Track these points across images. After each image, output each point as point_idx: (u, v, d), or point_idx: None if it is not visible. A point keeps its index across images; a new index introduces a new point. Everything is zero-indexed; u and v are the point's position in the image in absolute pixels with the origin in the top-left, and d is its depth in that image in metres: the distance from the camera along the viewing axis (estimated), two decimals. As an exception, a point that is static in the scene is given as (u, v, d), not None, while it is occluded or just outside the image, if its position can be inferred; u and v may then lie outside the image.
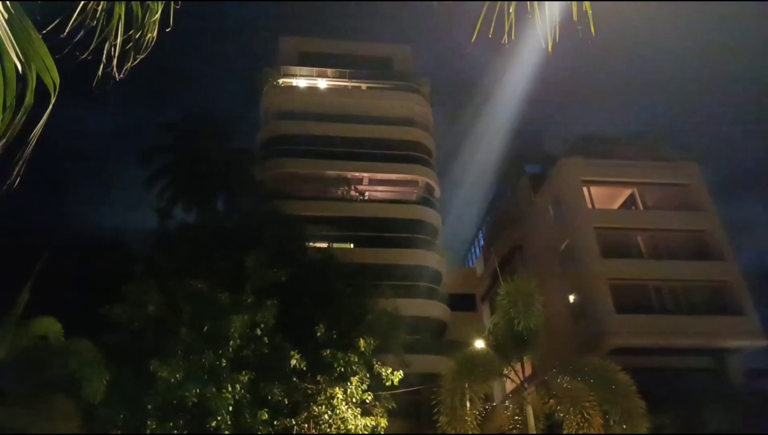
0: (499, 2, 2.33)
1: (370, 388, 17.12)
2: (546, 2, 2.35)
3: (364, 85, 39.24)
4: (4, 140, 1.58)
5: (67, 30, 1.74)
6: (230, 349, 15.49)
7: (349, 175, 35.33)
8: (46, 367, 12.15)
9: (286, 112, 36.67)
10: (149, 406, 14.41)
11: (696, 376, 24.90)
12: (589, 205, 30.16)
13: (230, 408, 14.69)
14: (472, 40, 2.51)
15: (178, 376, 14.40)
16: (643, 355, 23.23)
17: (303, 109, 36.61)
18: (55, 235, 20.38)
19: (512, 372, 13.88)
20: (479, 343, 15.09)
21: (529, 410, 12.81)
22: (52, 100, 1.64)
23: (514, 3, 2.33)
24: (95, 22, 1.72)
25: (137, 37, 1.80)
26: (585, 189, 30.41)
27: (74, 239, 20.55)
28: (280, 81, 38.08)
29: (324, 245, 29.38)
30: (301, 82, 38.69)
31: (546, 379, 13.30)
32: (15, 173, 1.66)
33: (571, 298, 29.02)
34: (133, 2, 1.73)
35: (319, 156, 34.66)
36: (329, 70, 38.80)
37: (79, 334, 12.69)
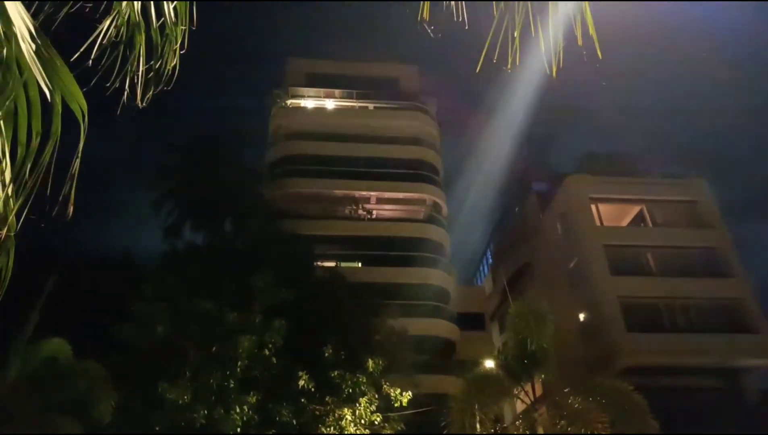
0: (503, 29, 2.38)
1: (378, 409, 16.98)
2: (551, 28, 2.39)
3: (371, 105, 39.58)
4: (38, 168, 1.63)
5: (89, 57, 1.80)
6: (238, 369, 15.46)
7: (357, 194, 35.47)
8: (55, 388, 12.15)
9: (294, 133, 37.00)
10: (157, 428, 14.36)
11: (709, 396, 24.45)
12: (598, 223, 30.04)
13: (238, 429, 14.60)
14: (477, 70, 2.55)
15: (186, 397, 14.37)
16: (655, 374, 22.87)
17: (311, 130, 36.94)
18: (64, 255, 20.53)
19: (522, 392, 13.72)
20: (489, 363, 14.95)
21: (541, 431, 12.62)
22: (83, 126, 1.70)
23: (518, 30, 2.37)
24: (116, 50, 1.78)
25: (157, 65, 1.87)
26: (593, 206, 30.33)
27: (84, 260, 20.68)
28: (288, 102, 38.49)
29: (332, 264, 29.40)
30: (309, 103, 39.09)
31: (557, 399, 13.13)
32: (63, 200, 1.71)
33: (581, 316, 28.75)
34: (152, 31, 1.79)
35: (327, 175, 34.86)
36: (337, 91, 39.21)
37: (89, 355, 12.71)
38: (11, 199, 1.65)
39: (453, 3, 2.41)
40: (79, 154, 1.73)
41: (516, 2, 2.40)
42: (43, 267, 15.57)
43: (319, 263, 25.81)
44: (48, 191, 1.72)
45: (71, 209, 1.75)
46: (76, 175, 1.73)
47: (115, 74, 1.81)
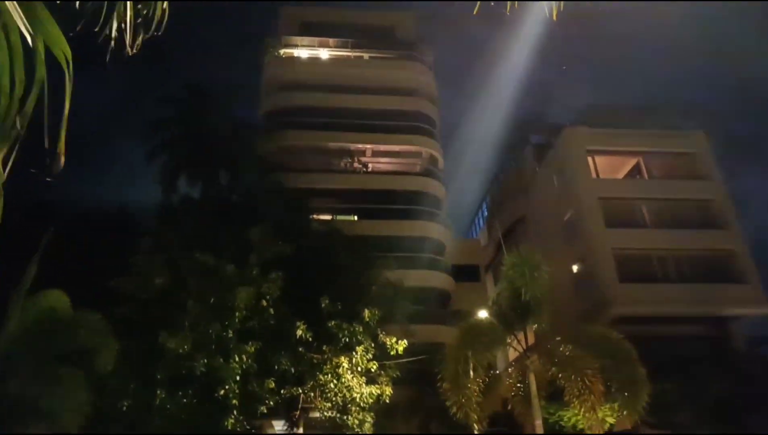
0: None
1: (375, 358, 17.39)
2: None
3: (366, 55, 38.74)
4: (21, 116, 1.59)
5: (74, 2, 1.73)
6: (236, 320, 15.71)
7: (352, 147, 35.19)
8: (56, 338, 12.30)
9: (288, 84, 36.33)
10: (158, 377, 14.70)
11: (698, 344, 25.11)
12: (594, 175, 30.03)
13: (238, 377, 14.97)
14: (475, 12, 2.47)
15: (186, 347, 14.65)
16: (645, 323, 23.41)
17: (305, 81, 36.26)
18: (61, 209, 20.46)
19: (515, 341, 14.04)
20: (483, 313, 15.24)
21: (532, 378, 13.01)
22: (67, 73, 1.64)
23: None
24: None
25: (146, 12, 1.79)
26: (590, 158, 30.24)
27: (80, 213, 20.62)
28: (282, 52, 37.61)
29: (328, 218, 29.48)
30: (303, 53, 38.22)
31: (549, 347, 13.47)
32: (56, 153, 1.67)
33: (575, 267, 29.15)
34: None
35: (322, 128, 34.48)
36: (331, 40, 38.27)
37: (87, 307, 12.84)
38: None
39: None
40: (67, 103, 1.69)
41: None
42: (40, 220, 15.55)
43: (315, 217, 25.86)
44: (46, 144, 1.68)
45: (62, 160, 1.72)
46: (65, 125, 1.69)
47: (102, 19, 1.74)
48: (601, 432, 14.57)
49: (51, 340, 12.14)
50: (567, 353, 12.58)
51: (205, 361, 14.84)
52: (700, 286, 25.98)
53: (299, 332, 16.35)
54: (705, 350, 24.56)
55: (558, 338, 13.48)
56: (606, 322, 22.62)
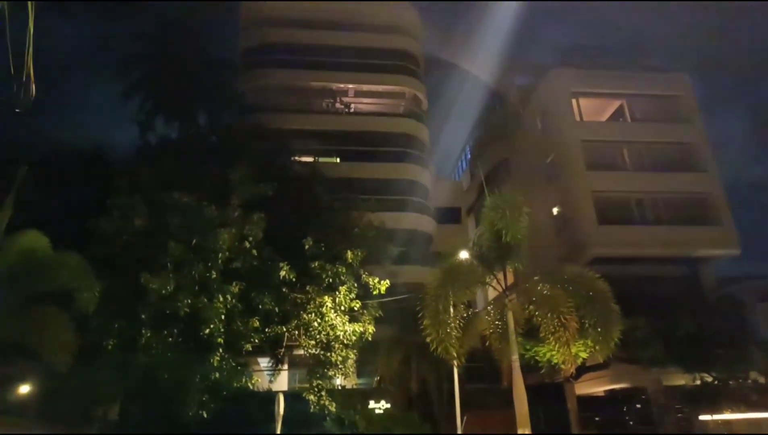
0: None
1: (357, 297, 17.69)
2: None
3: (348, -10, 37.23)
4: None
5: None
6: (219, 261, 15.74)
7: (334, 86, 34.40)
8: (37, 279, 12.21)
9: (266, 19, 34.97)
10: (143, 316, 14.80)
11: (671, 284, 25.99)
12: (578, 118, 29.94)
13: (222, 317, 15.14)
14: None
15: (169, 287, 14.70)
16: (621, 264, 24.03)
17: (285, 17, 34.91)
18: (34, 148, 19.87)
19: (495, 281, 14.35)
20: (464, 254, 15.46)
21: (510, 316, 13.34)
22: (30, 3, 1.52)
23: None
24: None
25: None
26: (574, 101, 30.05)
27: (54, 153, 20.05)
28: (260, -15, 35.96)
29: (310, 159, 29.17)
30: (282, -13, 36.57)
31: (527, 286, 13.77)
32: (24, 83, 1.57)
33: (556, 210, 29.53)
34: None
35: (303, 66, 33.53)
36: (311, -27, 36.60)
37: (66, 248, 12.69)
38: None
39: None
40: (31, 32, 1.58)
41: None
42: (12, 160, 15.09)
43: (296, 158, 25.56)
44: (11, 71, 1.58)
45: (33, 89, 1.62)
46: (30, 54, 1.59)
47: None
48: (574, 366, 15.20)
49: (32, 280, 12.05)
50: (544, 292, 12.87)
51: (189, 301, 14.93)
52: (675, 228, 26.60)
53: (283, 273, 16.48)
54: (677, 289, 25.45)
55: (536, 278, 13.76)
56: (584, 262, 23.16)
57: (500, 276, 14.66)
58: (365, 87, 34.69)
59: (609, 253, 25.09)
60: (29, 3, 1.38)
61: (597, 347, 13.11)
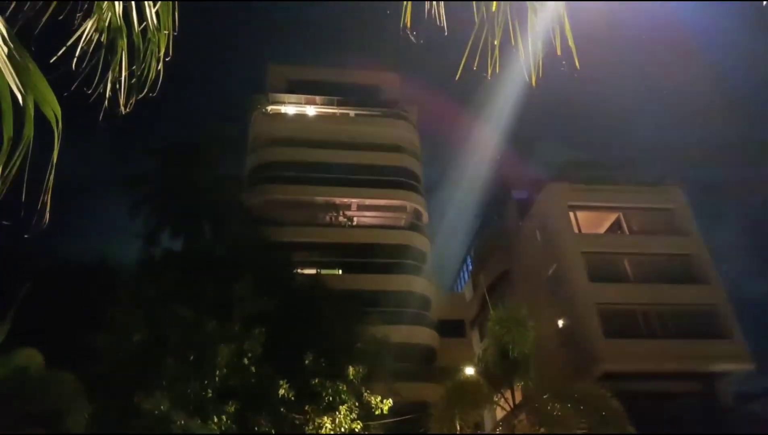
0: (483, 38, 2.39)
1: (359, 417, 16.88)
2: (530, 37, 2.42)
3: (352, 112, 39.62)
4: (9, 171, 1.59)
5: (71, 62, 1.76)
6: (217, 378, 15.24)
7: (338, 200, 35.40)
8: (27, 399, 11.81)
9: (274, 139, 36.84)
10: (133, 439, 14.05)
11: (686, 401, 24.85)
12: (576, 230, 30.41)
13: (216, 440, 14.36)
14: (457, 77, 2.56)
15: (162, 407, 14.10)
16: (633, 380, 23.17)
17: (291, 136, 36.82)
18: (39, 262, 20.05)
19: (502, 399, 13.77)
20: (469, 370, 14.98)
21: (521, 438, 12.69)
22: (56, 132, 1.66)
23: (498, 37, 2.39)
24: (97, 55, 1.75)
25: (140, 71, 1.84)
26: (571, 214, 30.70)
27: (58, 267, 20.21)
28: (269, 108, 38.33)
29: (312, 271, 29.25)
30: (290, 109, 38.97)
31: (536, 406, 13.21)
32: (40, 206, 1.67)
33: (560, 322, 29.03)
34: (134, 36, 1.76)
35: (308, 182, 34.73)
36: (318, 98, 39.17)
37: (62, 364, 12.40)
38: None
39: (434, 9, 2.42)
40: (54, 161, 1.70)
41: (496, 6, 2.42)
42: (16, 274, 15.19)
43: (299, 270, 25.65)
44: (23, 197, 1.68)
45: (47, 217, 1.72)
46: (51, 182, 1.70)
47: (97, 80, 1.78)
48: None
49: (22, 400, 11.63)
50: (555, 412, 12.32)
51: (183, 422, 14.25)
52: (685, 341, 25.96)
53: (281, 391, 15.89)
54: (693, 407, 24.28)
55: (546, 396, 13.24)
56: (593, 378, 22.34)
57: (508, 394, 14.13)
58: (368, 201, 35.69)
59: (619, 368, 24.27)
60: (56, 134, 1.50)
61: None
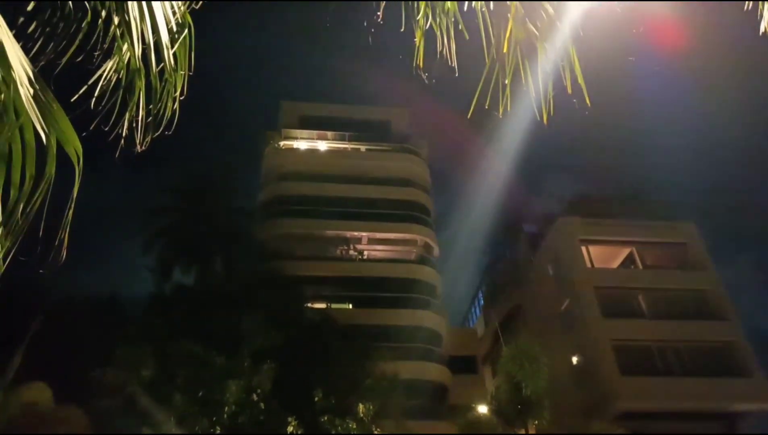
0: (494, 78, 2.43)
1: (369, 457, 16.50)
2: (540, 76, 2.45)
3: (363, 147, 40.04)
4: (29, 209, 1.62)
5: (90, 101, 1.81)
6: (225, 415, 15.03)
7: (348, 234, 35.44)
8: (34, 435, 11.70)
9: (286, 174, 37.22)
10: (139, 478, 13.81)
11: (706, 442, 24.04)
12: (588, 265, 30.11)
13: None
14: (468, 116, 2.59)
15: (170, 444, 13.91)
16: (651, 419, 22.52)
17: (303, 171, 37.20)
18: (51, 298, 20.15)
19: (516, 438, 13.42)
20: (482, 408, 14.64)
21: (536, 480, 12.29)
22: (77, 170, 1.70)
23: (509, 76, 2.43)
24: (115, 95, 1.81)
25: (157, 110, 1.89)
26: (583, 248, 30.46)
27: (70, 302, 20.29)
28: (281, 143, 38.88)
29: (322, 306, 29.09)
30: (302, 145, 39.50)
31: (552, 446, 12.84)
32: (58, 245, 1.70)
33: (575, 359, 28.46)
34: (152, 77, 1.82)
35: (319, 216, 34.89)
36: (329, 133, 39.71)
37: (71, 400, 12.32)
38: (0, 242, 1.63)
39: (446, 52, 2.47)
40: (74, 198, 1.73)
41: (507, 47, 2.46)
42: (28, 309, 15.27)
43: (309, 305, 25.52)
44: (41, 233, 1.71)
45: (64, 253, 1.74)
46: (69, 218, 1.72)
47: (114, 118, 1.83)
48: None
49: (28, 436, 11.53)
50: (571, 452, 11.97)
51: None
52: (704, 379, 25.28)
53: (290, 428, 15.62)
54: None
55: (561, 436, 12.90)
56: (610, 417, 21.73)
57: (521, 433, 13.77)
58: (378, 235, 35.69)
59: (637, 407, 23.62)
60: (77, 171, 1.54)
61: None
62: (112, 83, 1.85)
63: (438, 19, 2.48)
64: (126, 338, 16.44)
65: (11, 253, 1.67)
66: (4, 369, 11.96)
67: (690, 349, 26.96)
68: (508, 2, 2.43)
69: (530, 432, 13.90)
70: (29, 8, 1.81)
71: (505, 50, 2.41)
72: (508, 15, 2.43)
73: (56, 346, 17.13)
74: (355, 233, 35.46)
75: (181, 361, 15.63)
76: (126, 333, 16.76)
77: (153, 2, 1.82)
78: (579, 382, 27.41)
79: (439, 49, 2.49)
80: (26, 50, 1.75)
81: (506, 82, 2.49)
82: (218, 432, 14.74)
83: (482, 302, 43.97)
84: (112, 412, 14.89)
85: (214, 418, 14.85)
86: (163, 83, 1.89)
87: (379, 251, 36.71)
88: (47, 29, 1.85)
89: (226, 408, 14.99)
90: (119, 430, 14.37)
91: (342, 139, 39.69)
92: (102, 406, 14.43)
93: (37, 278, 18.65)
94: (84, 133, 1.76)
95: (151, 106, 1.90)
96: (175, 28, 1.93)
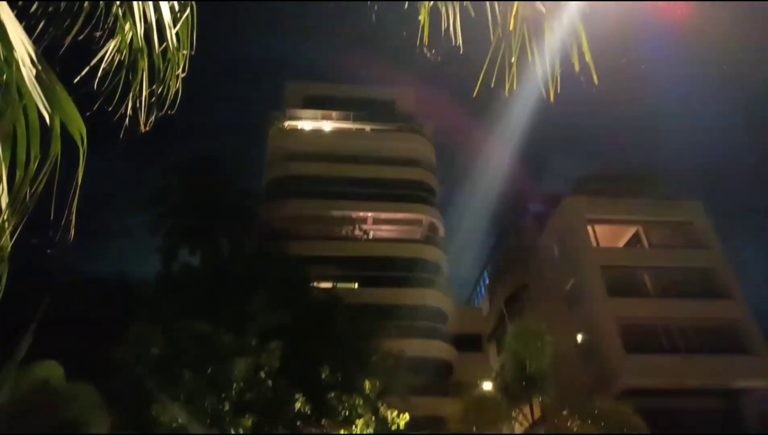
0: (500, 55, 2.40)
1: (375, 432, 16.76)
2: (547, 53, 2.42)
3: (368, 127, 39.85)
4: (34, 188, 1.63)
5: (93, 81, 1.81)
6: (233, 392, 15.27)
7: (354, 214, 35.49)
8: (48, 412, 11.95)
9: (291, 154, 37.15)
10: (150, 452, 14.10)
11: (710, 419, 24.24)
12: (594, 244, 30.08)
13: (233, 454, 14.36)
14: (474, 95, 2.56)
15: (180, 420, 14.16)
16: (654, 396, 22.68)
17: (308, 151, 37.12)
18: (60, 277, 20.39)
19: (520, 415, 13.57)
20: (487, 385, 14.81)
21: (540, 455, 12.48)
22: (81, 150, 1.71)
23: (515, 55, 2.40)
24: (119, 75, 1.80)
25: (160, 90, 1.88)
26: (589, 227, 30.39)
27: (79, 281, 20.53)
28: (286, 124, 38.74)
29: (328, 285, 29.27)
30: (307, 125, 39.34)
31: (556, 422, 13.00)
32: (66, 223, 1.71)
33: (579, 337, 28.61)
34: (155, 56, 1.81)
35: (324, 196, 34.92)
36: (334, 113, 39.51)
37: (82, 378, 12.54)
38: (6, 222, 1.65)
39: (451, 30, 2.44)
40: (79, 179, 1.74)
41: (513, 25, 2.43)
42: (37, 288, 15.43)
43: (315, 284, 25.68)
44: (52, 215, 1.72)
45: (72, 234, 1.76)
46: (76, 199, 1.74)
47: (118, 98, 1.83)
48: None
49: (43, 413, 11.77)
50: (576, 429, 12.11)
51: (199, 435, 14.28)
52: (708, 357, 25.40)
53: (298, 405, 15.86)
54: (717, 426, 23.68)
55: (565, 413, 13.03)
56: (614, 394, 21.92)
57: (526, 410, 13.93)
58: (383, 215, 35.72)
59: (641, 384, 23.78)
60: (81, 152, 1.55)
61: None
62: (115, 63, 1.85)
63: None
64: (135, 318, 16.67)
65: (17, 232, 1.69)
66: (15, 348, 12.15)
67: (695, 328, 27.03)
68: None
69: (534, 408, 14.07)
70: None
71: (511, 28, 2.38)
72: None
73: (67, 324, 17.38)
74: (361, 213, 35.51)
75: (190, 340, 15.84)
76: (135, 313, 16.99)
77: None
78: (584, 360, 27.60)
79: (444, 27, 2.45)
80: (29, 30, 1.75)
81: (512, 60, 2.46)
82: (226, 409, 14.98)
83: (488, 281, 44.13)
84: (123, 389, 15.16)
85: (223, 395, 15.08)
86: (165, 63, 1.89)
87: (384, 231, 36.78)
88: (49, 9, 1.84)
89: (234, 385, 15.22)
90: (130, 406, 14.63)
91: (347, 118, 39.49)
92: (113, 384, 14.69)
93: (47, 258, 18.86)
94: (87, 114, 1.76)
95: (154, 86, 1.90)
96: (177, 7, 1.91)
